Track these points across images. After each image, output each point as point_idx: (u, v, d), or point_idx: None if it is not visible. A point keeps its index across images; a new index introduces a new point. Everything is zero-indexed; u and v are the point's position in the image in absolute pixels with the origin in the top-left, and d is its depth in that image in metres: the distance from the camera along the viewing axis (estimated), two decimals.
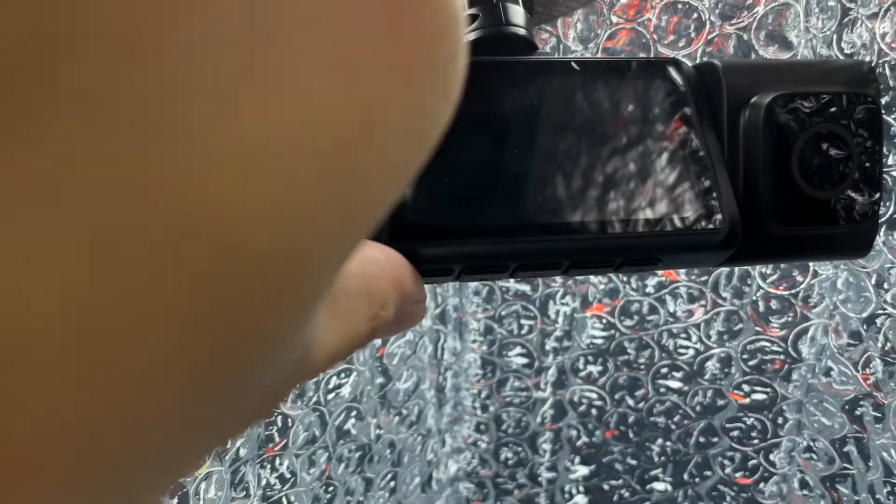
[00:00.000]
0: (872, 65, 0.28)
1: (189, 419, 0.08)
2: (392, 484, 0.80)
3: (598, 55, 0.61)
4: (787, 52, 0.60)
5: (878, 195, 0.24)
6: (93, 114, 0.06)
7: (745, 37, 0.60)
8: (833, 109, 0.24)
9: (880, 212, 0.25)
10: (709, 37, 0.61)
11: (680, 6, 0.61)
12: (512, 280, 0.78)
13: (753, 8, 0.60)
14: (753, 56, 0.61)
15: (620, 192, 0.22)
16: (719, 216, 0.22)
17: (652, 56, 0.61)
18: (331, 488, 0.71)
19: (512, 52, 0.26)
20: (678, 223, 0.22)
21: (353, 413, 0.72)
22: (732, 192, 0.23)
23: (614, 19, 0.62)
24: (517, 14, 0.26)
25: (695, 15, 0.61)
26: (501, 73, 0.23)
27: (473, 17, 0.27)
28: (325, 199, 0.08)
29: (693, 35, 0.62)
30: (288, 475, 0.66)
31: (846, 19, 0.57)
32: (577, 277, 0.75)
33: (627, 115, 0.23)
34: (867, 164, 0.24)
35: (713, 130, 0.24)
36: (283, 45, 0.07)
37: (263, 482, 0.64)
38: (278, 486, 0.65)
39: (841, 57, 0.58)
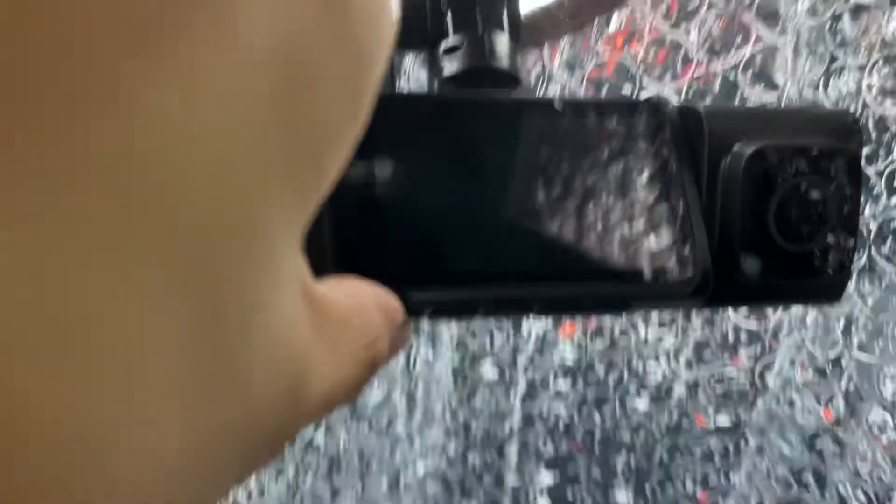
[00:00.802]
0: (857, 116, 0.27)
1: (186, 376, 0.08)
2: (360, 485, 0.81)
3: (580, 96, 0.60)
4: (773, 92, 0.60)
5: (852, 246, 0.24)
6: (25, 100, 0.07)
7: (731, 76, 0.60)
8: (815, 164, 0.23)
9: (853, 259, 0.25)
10: (695, 73, 0.60)
11: (668, 41, 0.60)
12: None
13: (742, 47, 0.59)
14: (739, 95, 0.60)
15: (593, 239, 0.21)
16: (691, 267, 0.22)
17: (633, 98, 0.60)
18: (298, 498, 0.72)
19: (494, 85, 0.25)
20: (649, 273, 0.22)
21: (322, 424, 0.72)
22: (707, 242, 0.23)
23: (601, 49, 0.61)
24: (502, 45, 0.25)
25: (682, 51, 0.60)
26: (477, 113, 0.22)
27: (455, 48, 0.25)
28: (270, 132, 0.08)
29: (680, 70, 0.61)
30: (255, 488, 0.67)
31: (833, 66, 0.57)
32: None
33: (604, 159, 0.22)
34: (845, 218, 0.24)
35: (692, 175, 0.23)
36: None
37: (230, 498, 0.64)
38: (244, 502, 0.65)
39: (826, 101, 0.58)
